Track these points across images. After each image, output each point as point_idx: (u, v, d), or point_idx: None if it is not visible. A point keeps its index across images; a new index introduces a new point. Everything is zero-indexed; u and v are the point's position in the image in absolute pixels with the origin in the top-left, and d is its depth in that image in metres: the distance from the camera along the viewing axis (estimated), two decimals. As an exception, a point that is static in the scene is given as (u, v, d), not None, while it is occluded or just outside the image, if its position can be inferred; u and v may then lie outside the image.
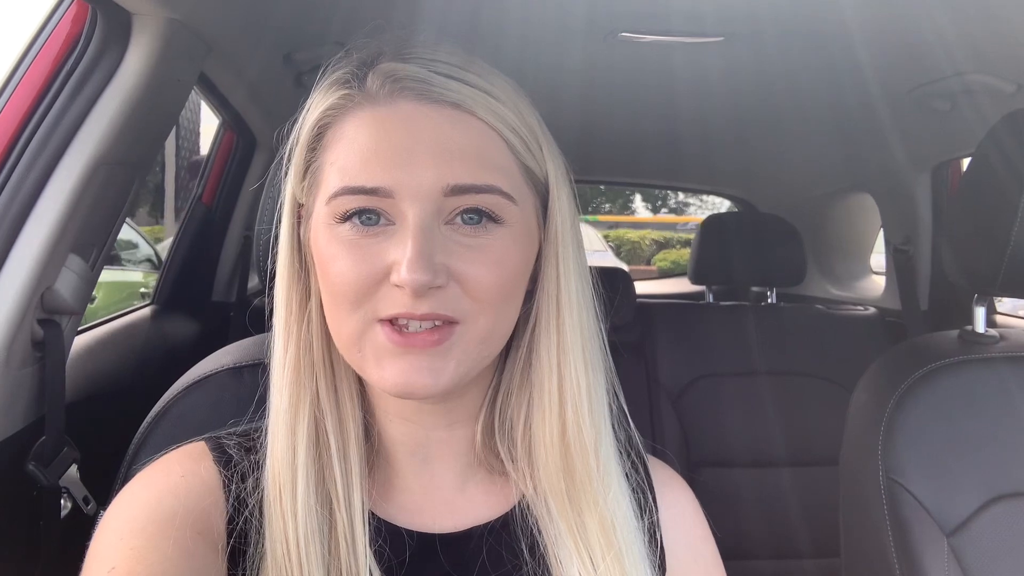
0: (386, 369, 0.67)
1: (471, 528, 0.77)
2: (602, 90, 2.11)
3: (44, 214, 1.12)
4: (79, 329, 1.38)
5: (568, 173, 0.77)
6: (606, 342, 0.79)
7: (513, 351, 0.77)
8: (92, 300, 1.31)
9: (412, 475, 0.78)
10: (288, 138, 0.75)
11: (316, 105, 0.72)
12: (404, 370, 0.66)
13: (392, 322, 0.67)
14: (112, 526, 0.68)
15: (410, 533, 0.75)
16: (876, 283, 3.11)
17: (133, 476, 0.74)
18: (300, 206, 0.75)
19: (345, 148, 0.69)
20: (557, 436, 0.74)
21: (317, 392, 0.73)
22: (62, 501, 1.19)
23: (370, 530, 0.71)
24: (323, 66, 0.75)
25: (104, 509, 0.71)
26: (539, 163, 0.74)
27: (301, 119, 0.74)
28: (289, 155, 0.75)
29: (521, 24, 1.57)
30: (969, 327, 1.36)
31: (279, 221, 0.76)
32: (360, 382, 0.77)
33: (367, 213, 0.67)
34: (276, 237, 0.76)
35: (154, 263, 6.52)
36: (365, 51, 0.72)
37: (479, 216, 0.68)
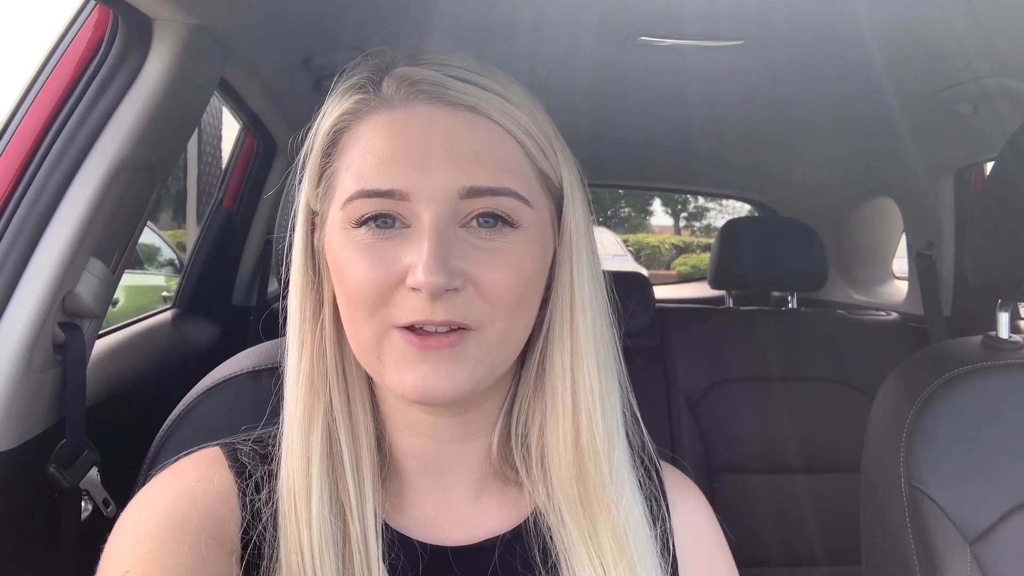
0: (406, 374, 0.67)
1: (484, 541, 0.76)
2: (618, 93, 2.10)
3: (65, 218, 1.13)
4: (100, 333, 1.39)
5: (582, 179, 0.76)
6: (620, 348, 0.78)
7: (528, 359, 0.77)
8: (114, 303, 1.32)
9: (424, 488, 0.77)
10: (303, 145, 0.75)
11: (331, 111, 0.73)
12: (424, 375, 0.66)
13: (409, 327, 0.66)
14: (127, 529, 0.68)
15: (423, 546, 0.74)
16: (898, 288, 3.08)
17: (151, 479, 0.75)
18: (315, 213, 0.75)
19: (360, 152, 0.69)
20: (571, 443, 0.74)
21: (330, 400, 0.73)
22: (82, 503, 1.20)
23: (383, 542, 0.71)
24: (340, 72, 0.75)
25: None
26: (554, 168, 0.73)
27: (316, 125, 0.74)
28: (303, 162, 0.74)
29: (536, 27, 1.56)
30: (993, 333, 1.34)
31: (294, 229, 0.76)
32: (372, 392, 0.76)
33: (383, 217, 0.67)
34: (291, 245, 0.76)
35: (176, 267, 6.58)
36: (380, 57, 0.73)
37: (494, 219, 0.68)
